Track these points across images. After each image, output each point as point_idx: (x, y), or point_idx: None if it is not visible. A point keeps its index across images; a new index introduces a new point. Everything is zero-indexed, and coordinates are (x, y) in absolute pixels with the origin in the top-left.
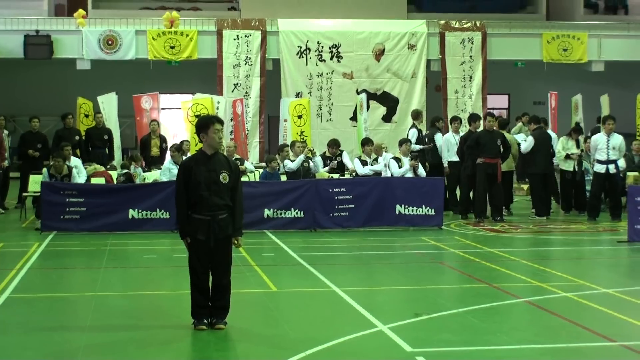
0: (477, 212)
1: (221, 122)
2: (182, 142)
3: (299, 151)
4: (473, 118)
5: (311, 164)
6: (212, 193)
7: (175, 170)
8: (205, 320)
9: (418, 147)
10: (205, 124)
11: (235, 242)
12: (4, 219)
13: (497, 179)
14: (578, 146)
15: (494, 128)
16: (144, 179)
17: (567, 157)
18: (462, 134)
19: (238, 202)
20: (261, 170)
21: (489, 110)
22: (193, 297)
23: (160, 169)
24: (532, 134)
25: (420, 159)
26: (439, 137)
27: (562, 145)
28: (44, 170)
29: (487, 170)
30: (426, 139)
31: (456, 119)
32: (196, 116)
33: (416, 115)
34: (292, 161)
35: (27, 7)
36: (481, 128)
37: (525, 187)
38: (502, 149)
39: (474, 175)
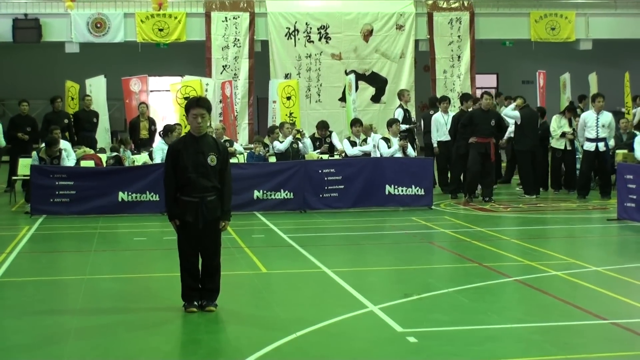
0: (468, 192)
1: (202, 106)
2: (174, 125)
3: (288, 132)
4: (465, 97)
5: (300, 145)
6: (200, 175)
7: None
8: (195, 303)
9: (404, 126)
10: (186, 109)
11: (222, 224)
12: None
13: (491, 158)
14: (571, 125)
15: (490, 108)
16: (133, 161)
17: (562, 135)
18: (451, 113)
19: (226, 185)
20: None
21: (485, 90)
22: (183, 280)
23: (150, 151)
24: (519, 112)
25: (408, 138)
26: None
27: (555, 124)
28: (34, 153)
29: (479, 150)
30: (412, 119)
31: (445, 99)
32: (185, 98)
33: (400, 94)
34: (281, 142)
35: None
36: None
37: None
38: (497, 129)
39: (466, 155)
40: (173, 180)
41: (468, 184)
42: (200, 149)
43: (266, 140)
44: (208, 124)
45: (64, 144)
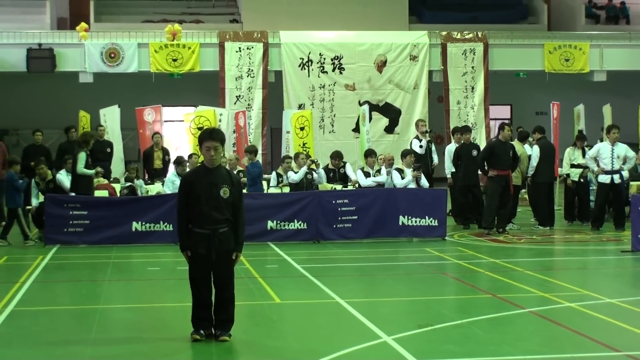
0: (486, 225)
1: (215, 138)
2: (190, 155)
3: (302, 163)
4: (463, 130)
5: (315, 175)
6: (212, 208)
7: (178, 182)
8: (202, 331)
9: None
10: (199, 141)
11: (234, 256)
12: None
13: (510, 190)
14: (584, 155)
15: (508, 139)
16: (147, 191)
17: (573, 167)
18: None
19: (240, 217)
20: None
21: (503, 121)
22: (194, 309)
23: (163, 181)
24: (537, 144)
25: (422, 169)
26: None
27: (568, 156)
28: (32, 181)
29: (500, 183)
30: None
31: (458, 130)
32: (199, 128)
33: (416, 124)
34: (296, 173)
35: (29, 21)
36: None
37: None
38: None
39: (465, 187)
40: (185, 211)
41: (487, 217)
42: (214, 181)
43: (280, 169)
44: (222, 156)
45: None
